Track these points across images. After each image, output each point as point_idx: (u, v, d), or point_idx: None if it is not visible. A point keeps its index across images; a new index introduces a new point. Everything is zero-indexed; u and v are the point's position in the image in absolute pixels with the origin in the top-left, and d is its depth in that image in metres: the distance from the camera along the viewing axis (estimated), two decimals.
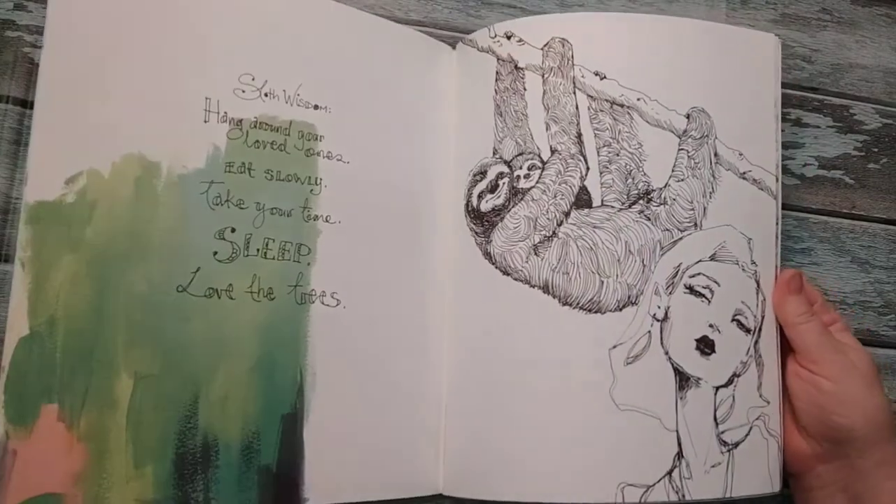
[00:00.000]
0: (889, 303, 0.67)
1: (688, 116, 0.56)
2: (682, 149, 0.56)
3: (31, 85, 0.54)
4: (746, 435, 0.54)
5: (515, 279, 0.55)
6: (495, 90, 0.58)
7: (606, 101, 0.56)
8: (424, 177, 0.59)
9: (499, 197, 0.56)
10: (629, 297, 0.54)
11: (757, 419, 0.55)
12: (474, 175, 0.58)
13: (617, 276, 0.54)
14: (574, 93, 0.56)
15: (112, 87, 0.50)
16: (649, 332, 0.53)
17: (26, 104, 0.54)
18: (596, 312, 0.53)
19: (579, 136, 0.56)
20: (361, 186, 0.56)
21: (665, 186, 0.55)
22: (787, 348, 0.56)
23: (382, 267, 0.56)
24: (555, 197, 0.55)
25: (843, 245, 0.67)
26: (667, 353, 0.53)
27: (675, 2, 0.67)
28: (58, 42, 0.49)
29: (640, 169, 0.55)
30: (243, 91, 0.52)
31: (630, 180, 0.55)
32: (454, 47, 0.61)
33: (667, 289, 0.54)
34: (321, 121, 0.55)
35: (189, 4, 0.52)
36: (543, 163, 0.56)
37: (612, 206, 0.55)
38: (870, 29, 0.71)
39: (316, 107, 0.54)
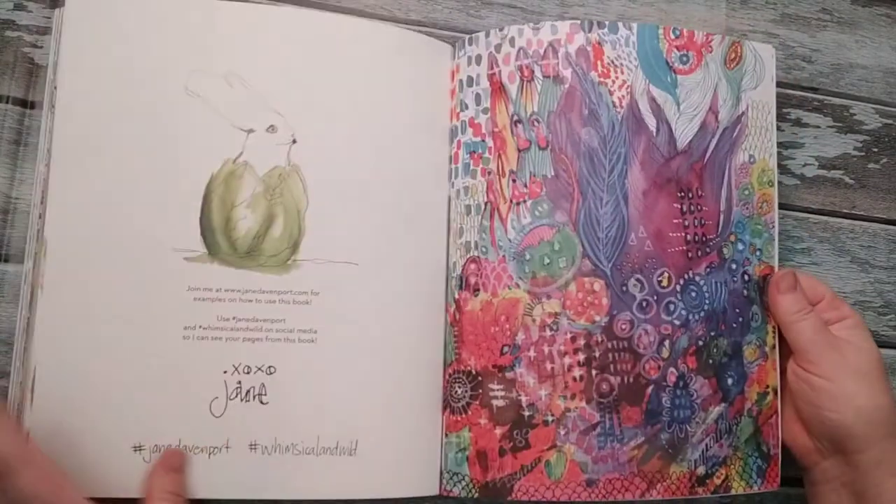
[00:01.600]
0: (889, 303, 0.67)
1: None
2: None
3: (31, 85, 0.54)
4: None
5: None
6: None
7: None
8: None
9: None
10: None
11: None
12: None
13: None
14: None
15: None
16: None
17: (26, 104, 0.54)
18: None
19: None
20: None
21: None
22: (788, 347, 0.57)
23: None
24: None
25: (843, 245, 0.67)
26: None
27: (675, 2, 0.67)
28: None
29: None
30: None
31: None
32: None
33: None
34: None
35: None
36: None
37: None
38: (870, 29, 0.71)
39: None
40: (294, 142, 0.54)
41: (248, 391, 0.51)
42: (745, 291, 0.58)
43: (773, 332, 0.58)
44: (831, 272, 0.67)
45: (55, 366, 0.49)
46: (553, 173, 0.56)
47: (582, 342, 0.54)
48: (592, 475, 0.54)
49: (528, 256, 0.55)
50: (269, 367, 0.52)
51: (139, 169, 0.52)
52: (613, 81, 0.56)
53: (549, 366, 0.54)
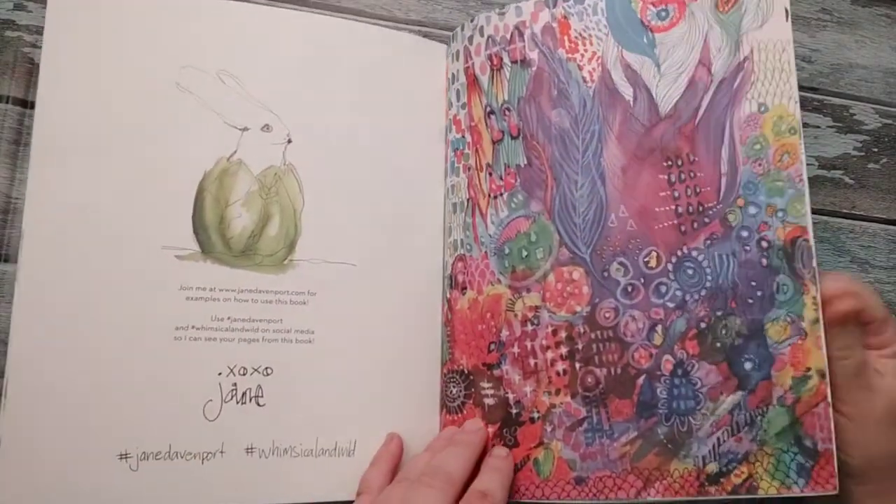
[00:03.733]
0: (889, 303, 0.67)
1: None
2: None
3: (31, 85, 0.54)
4: None
5: None
6: None
7: None
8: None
9: None
10: None
11: None
12: None
13: None
14: None
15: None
16: None
17: (26, 104, 0.54)
18: None
19: None
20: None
21: None
22: None
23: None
24: None
25: (843, 245, 0.67)
26: None
27: None
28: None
29: None
30: None
31: None
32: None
33: None
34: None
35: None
36: None
37: None
38: (870, 29, 0.71)
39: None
40: (289, 141, 0.55)
41: (244, 393, 0.51)
42: (765, 260, 0.51)
43: (815, 304, 0.51)
44: (831, 272, 0.66)
45: (32, 368, 0.48)
46: (526, 162, 0.54)
47: (563, 335, 0.52)
48: (581, 473, 0.51)
49: (507, 251, 0.54)
50: (266, 368, 0.52)
51: (127, 164, 0.52)
52: (582, 55, 0.54)
53: (532, 361, 0.53)
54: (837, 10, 0.71)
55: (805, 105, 0.68)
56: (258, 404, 0.51)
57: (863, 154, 0.69)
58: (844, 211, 0.67)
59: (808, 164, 0.66)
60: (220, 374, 0.51)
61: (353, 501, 0.52)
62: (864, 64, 0.70)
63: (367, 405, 0.54)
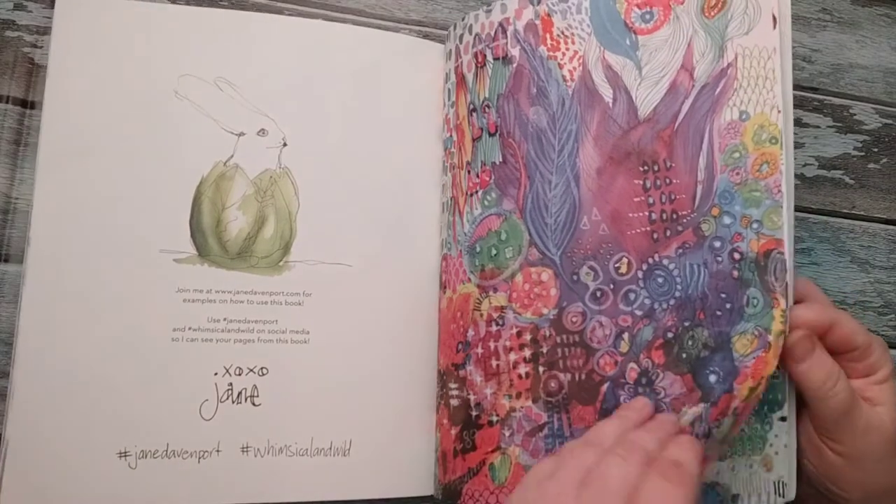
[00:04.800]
0: (889, 303, 0.67)
1: None
2: None
3: (31, 85, 0.55)
4: None
5: None
6: None
7: None
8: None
9: None
10: None
11: None
12: None
13: None
14: None
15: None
16: None
17: (26, 104, 0.54)
18: None
19: None
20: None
21: None
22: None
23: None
24: None
25: (843, 245, 0.67)
26: None
27: None
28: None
29: None
30: None
31: None
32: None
33: None
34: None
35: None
36: None
37: None
38: (870, 29, 0.71)
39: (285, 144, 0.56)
40: (285, 145, 0.55)
41: (239, 393, 0.52)
42: (736, 273, 0.48)
43: (783, 318, 0.46)
44: (831, 272, 0.66)
45: (38, 368, 0.50)
46: (501, 159, 0.53)
47: (528, 337, 0.51)
48: None
49: (478, 249, 0.53)
50: (262, 368, 0.52)
51: (127, 170, 0.53)
52: (563, 54, 0.52)
53: (494, 363, 0.51)
54: (837, 10, 0.71)
55: (805, 105, 0.68)
56: (253, 404, 0.52)
57: (863, 154, 0.69)
58: (844, 211, 0.67)
59: (807, 164, 0.67)
60: (216, 374, 0.52)
61: (349, 501, 0.53)
62: (864, 64, 0.70)
63: (363, 405, 0.54)
